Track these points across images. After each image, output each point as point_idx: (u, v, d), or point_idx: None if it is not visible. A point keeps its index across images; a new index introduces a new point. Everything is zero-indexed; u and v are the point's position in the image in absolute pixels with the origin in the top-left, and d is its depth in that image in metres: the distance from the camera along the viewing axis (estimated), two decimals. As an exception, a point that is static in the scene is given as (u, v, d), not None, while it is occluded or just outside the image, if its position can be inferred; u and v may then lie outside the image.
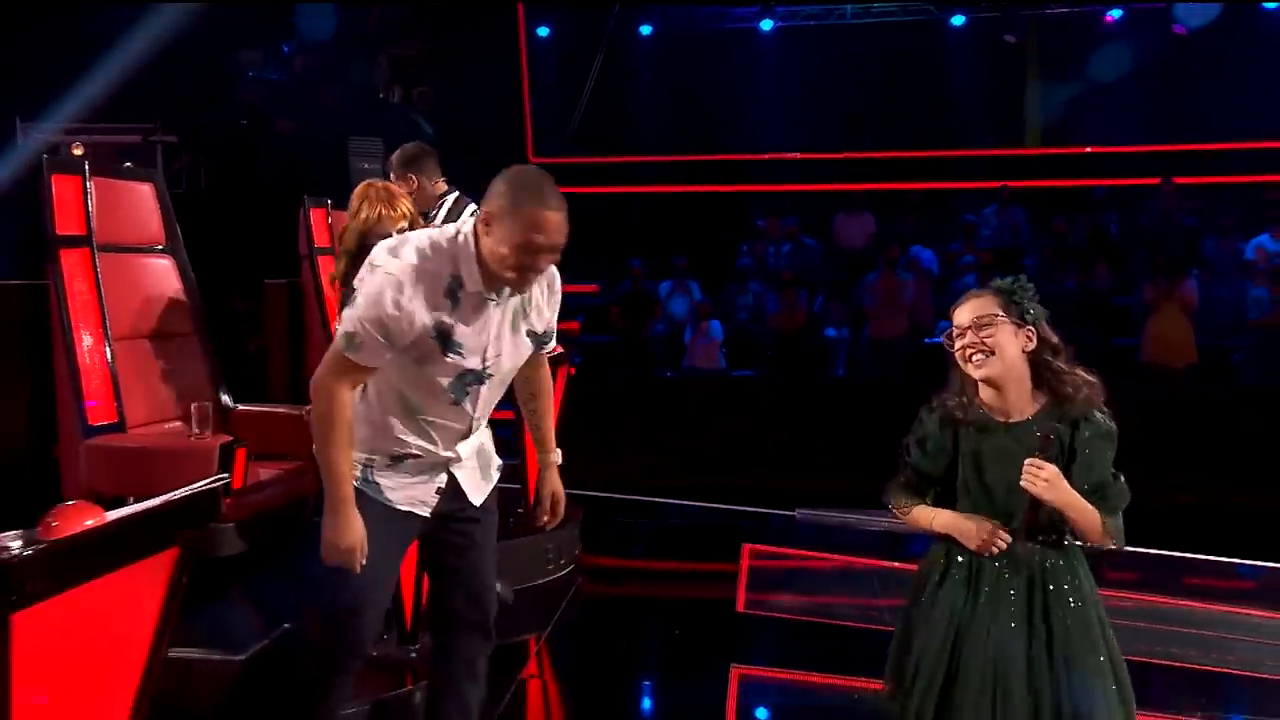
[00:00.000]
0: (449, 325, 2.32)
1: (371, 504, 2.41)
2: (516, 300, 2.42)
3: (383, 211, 3.03)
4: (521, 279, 2.31)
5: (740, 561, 4.68)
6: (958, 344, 2.09)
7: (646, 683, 3.70)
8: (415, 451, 2.42)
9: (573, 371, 4.76)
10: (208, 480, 1.81)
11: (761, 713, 3.33)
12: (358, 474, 2.42)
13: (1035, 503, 2.01)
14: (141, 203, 3.75)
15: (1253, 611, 4.28)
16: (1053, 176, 9.68)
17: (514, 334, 2.46)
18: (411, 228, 3.02)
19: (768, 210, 9.58)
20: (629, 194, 9.93)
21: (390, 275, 2.28)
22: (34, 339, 3.31)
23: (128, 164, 8.28)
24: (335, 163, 6.50)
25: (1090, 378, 2.06)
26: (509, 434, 4.31)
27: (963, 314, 2.11)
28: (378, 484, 2.43)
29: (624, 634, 4.08)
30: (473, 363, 2.37)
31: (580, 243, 2.52)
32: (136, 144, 8.42)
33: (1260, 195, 8.70)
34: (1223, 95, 9.27)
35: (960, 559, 2.10)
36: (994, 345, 2.06)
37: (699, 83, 10.20)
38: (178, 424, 3.44)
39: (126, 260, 3.60)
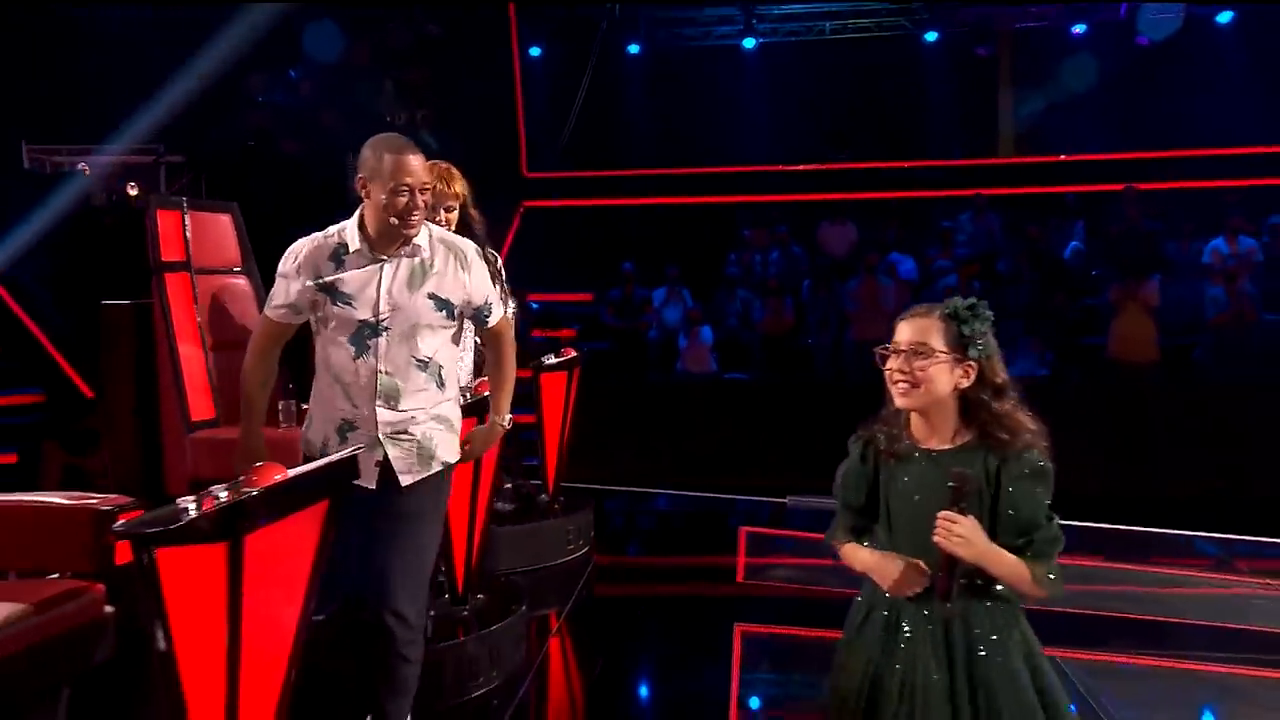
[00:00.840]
0: (331, 281, 2.76)
1: None
2: (412, 263, 2.80)
3: (440, 188, 3.39)
4: (406, 223, 2.73)
5: (738, 541, 5.26)
6: (889, 364, 1.99)
7: (660, 642, 4.28)
8: (347, 415, 2.78)
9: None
10: (347, 451, 2.35)
11: (763, 664, 3.90)
12: (318, 451, 2.78)
13: (951, 560, 1.88)
14: (224, 230, 4.51)
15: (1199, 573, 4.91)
16: (1025, 184, 10.33)
17: (410, 293, 2.79)
18: (462, 209, 3.49)
19: (753, 220, 10.18)
20: (619, 206, 10.50)
21: (290, 250, 2.85)
22: (140, 350, 4.08)
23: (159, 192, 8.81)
24: (337, 181, 7.03)
25: (1031, 424, 1.95)
26: (532, 435, 4.91)
27: (902, 332, 2.00)
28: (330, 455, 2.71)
29: (637, 602, 4.67)
30: (364, 314, 2.75)
31: (572, 253, 3.07)
32: (146, 164, 8.91)
33: (1217, 200, 9.36)
34: (1182, 105, 9.95)
35: (886, 598, 2.00)
36: (923, 379, 1.95)
37: (685, 98, 10.80)
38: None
39: (214, 281, 4.37)
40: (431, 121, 8.17)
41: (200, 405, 4.10)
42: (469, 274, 2.85)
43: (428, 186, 2.79)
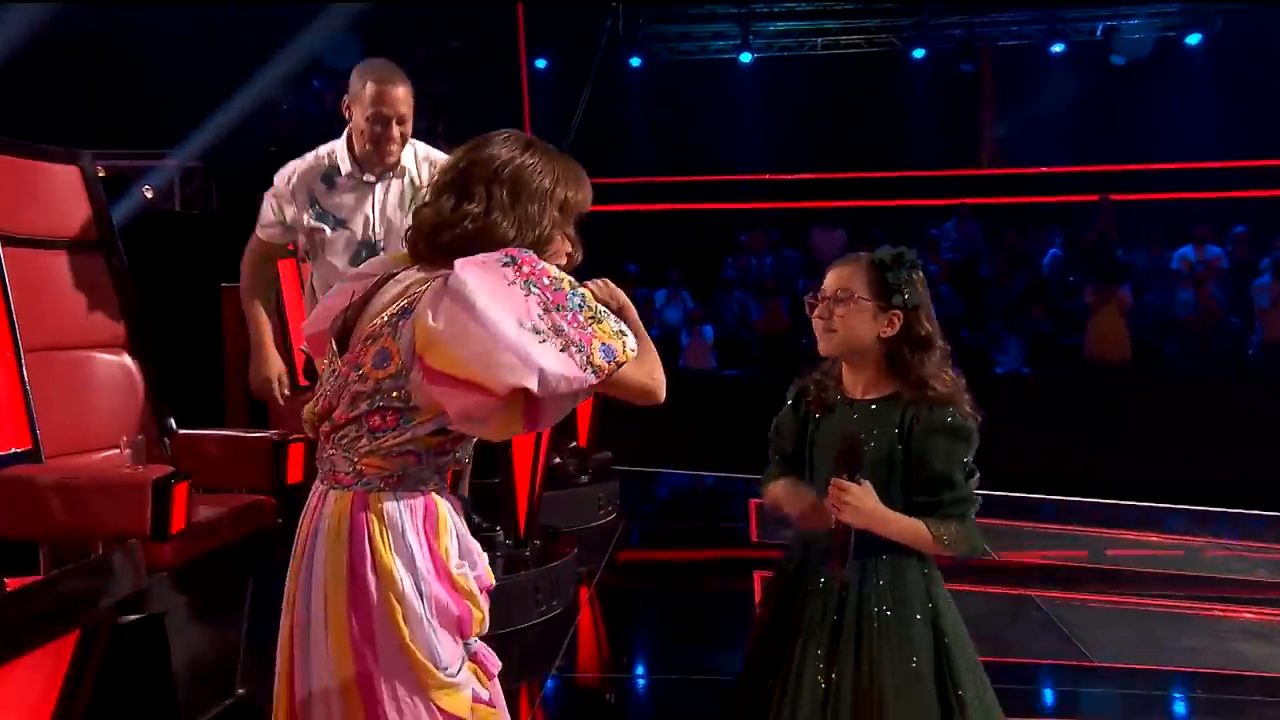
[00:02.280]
0: (325, 203, 2.88)
1: None
2: (402, 183, 2.94)
3: None
4: (380, 150, 2.85)
5: (748, 510, 5.90)
6: (815, 312, 1.98)
7: (690, 583, 4.90)
8: None
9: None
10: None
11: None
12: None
13: (843, 526, 1.82)
14: (63, 189, 3.09)
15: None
16: (1005, 194, 11.07)
17: (403, 213, 2.92)
18: None
19: (748, 226, 10.86)
20: (621, 212, 11.13)
21: (282, 171, 2.98)
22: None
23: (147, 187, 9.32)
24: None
25: (951, 380, 1.92)
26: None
27: (828, 280, 1.99)
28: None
29: (665, 557, 5.32)
30: (361, 234, 2.90)
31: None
32: (155, 168, 9.38)
33: (1184, 211, 10.13)
34: (1153, 122, 10.73)
35: (784, 575, 2.00)
36: (842, 325, 1.93)
37: (684, 109, 11.48)
38: (107, 454, 2.92)
39: (42, 257, 3.00)
40: (450, 131, 8.78)
41: (7, 431, 2.70)
42: None
43: (406, 118, 2.88)
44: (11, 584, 1.61)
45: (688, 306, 9.75)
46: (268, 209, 3.02)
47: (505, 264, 1.55)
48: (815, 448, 1.98)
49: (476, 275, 1.53)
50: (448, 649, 1.61)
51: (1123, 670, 3.65)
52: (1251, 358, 9.03)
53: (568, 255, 1.72)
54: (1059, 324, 9.45)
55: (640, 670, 3.88)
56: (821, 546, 1.90)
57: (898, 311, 1.92)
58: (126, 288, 3.15)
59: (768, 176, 11.23)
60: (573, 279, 1.59)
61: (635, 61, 11.57)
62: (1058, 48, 11.27)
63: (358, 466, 1.61)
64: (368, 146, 2.88)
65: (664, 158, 11.41)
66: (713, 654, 3.89)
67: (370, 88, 2.84)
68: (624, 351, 1.55)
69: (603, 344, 1.54)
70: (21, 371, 2.74)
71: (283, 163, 3.09)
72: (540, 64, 11.33)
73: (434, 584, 1.60)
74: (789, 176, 11.17)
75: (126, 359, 3.10)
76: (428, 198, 1.70)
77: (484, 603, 1.68)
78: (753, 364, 9.47)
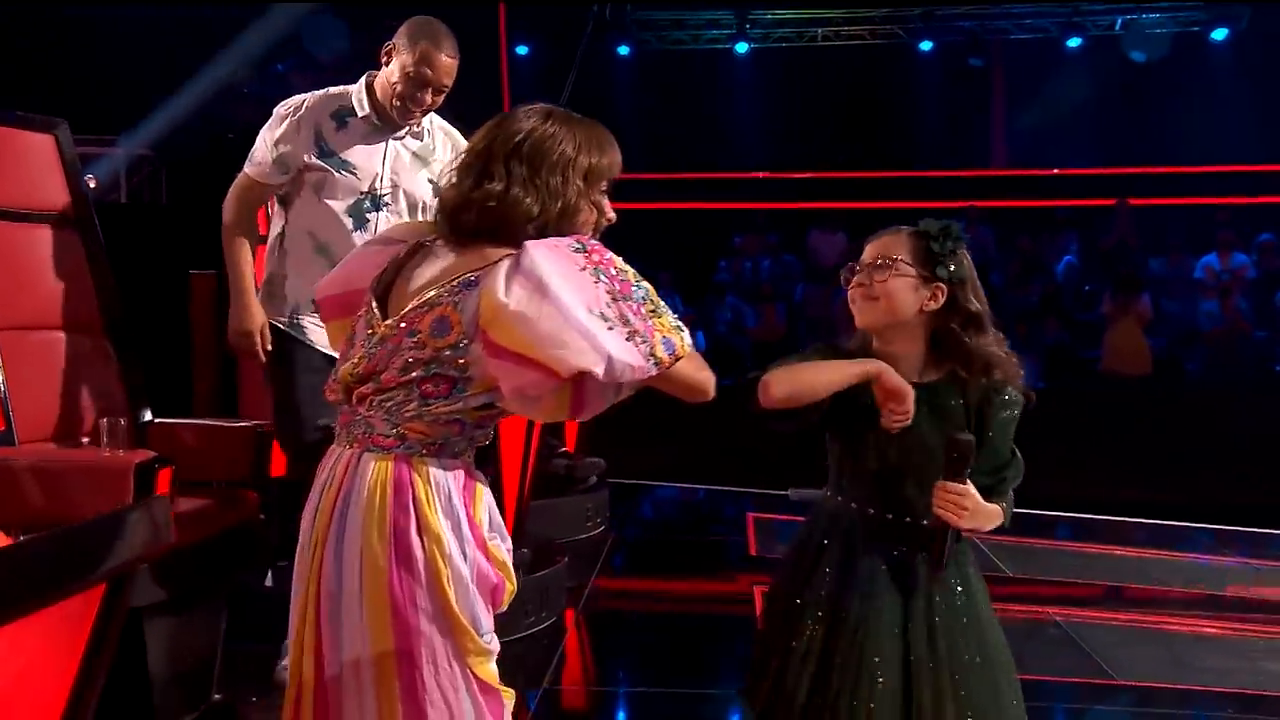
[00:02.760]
0: (332, 141, 2.86)
1: (298, 347, 2.98)
2: (418, 144, 2.99)
3: None
4: (405, 109, 2.88)
5: (746, 525, 5.99)
6: (852, 283, 2.00)
7: (683, 603, 4.97)
8: None
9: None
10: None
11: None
12: (285, 320, 2.99)
13: (948, 530, 1.88)
14: (36, 157, 3.10)
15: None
16: (1017, 197, 11.25)
17: (414, 172, 2.97)
18: None
19: (743, 227, 10.99)
20: (607, 210, 11.25)
21: (286, 102, 2.95)
22: None
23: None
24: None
25: (1009, 357, 1.96)
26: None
27: (868, 251, 2.01)
28: (303, 326, 2.98)
29: (658, 571, 5.38)
30: (366, 184, 2.90)
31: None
32: (100, 156, 9.37)
33: (1208, 216, 10.34)
34: (1175, 121, 10.95)
35: (819, 528, 2.02)
36: (884, 292, 1.94)
37: (675, 102, 11.62)
38: (80, 441, 2.98)
39: (12, 230, 3.03)
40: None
41: None
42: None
43: (445, 89, 2.94)
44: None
45: (678, 311, 9.84)
46: (262, 143, 2.97)
47: (576, 250, 1.69)
48: (875, 429, 1.92)
49: (549, 257, 1.66)
50: (485, 616, 1.74)
51: (1148, 689, 3.75)
52: (1277, 374, 9.23)
53: (599, 221, 1.83)
54: (1075, 335, 9.62)
55: (633, 685, 3.95)
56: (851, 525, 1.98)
57: (941, 285, 1.93)
58: (101, 266, 3.16)
59: (764, 175, 11.38)
60: (636, 271, 1.71)
61: (623, 50, 11.72)
62: (1074, 42, 11.49)
63: (400, 430, 1.72)
64: (395, 102, 2.91)
65: (653, 153, 11.52)
66: (710, 669, 3.97)
67: (424, 45, 2.89)
68: (683, 346, 1.68)
69: (664, 337, 1.66)
70: None
71: (242, 151, 3.09)
72: (521, 51, 11.46)
73: (475, 550, 1.73)
74: (787, 175, 11.32)
75: (101, 341, 3.13)
76: (452, 179, 1.81)
77: (513, 576, 1.81)
78: (746, 373, 9.56)
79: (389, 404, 1.73)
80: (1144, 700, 3.66)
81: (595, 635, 4.35)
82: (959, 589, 1.98)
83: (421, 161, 3.04)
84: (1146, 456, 8.07)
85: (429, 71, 2.88)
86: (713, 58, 11.87)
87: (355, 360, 1.79)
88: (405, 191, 3.00)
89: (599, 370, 1.61)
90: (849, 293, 2.01)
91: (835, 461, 2.05)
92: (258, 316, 3.00)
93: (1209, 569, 5.54)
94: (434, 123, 3.10)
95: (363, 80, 3.02)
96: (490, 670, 1.76)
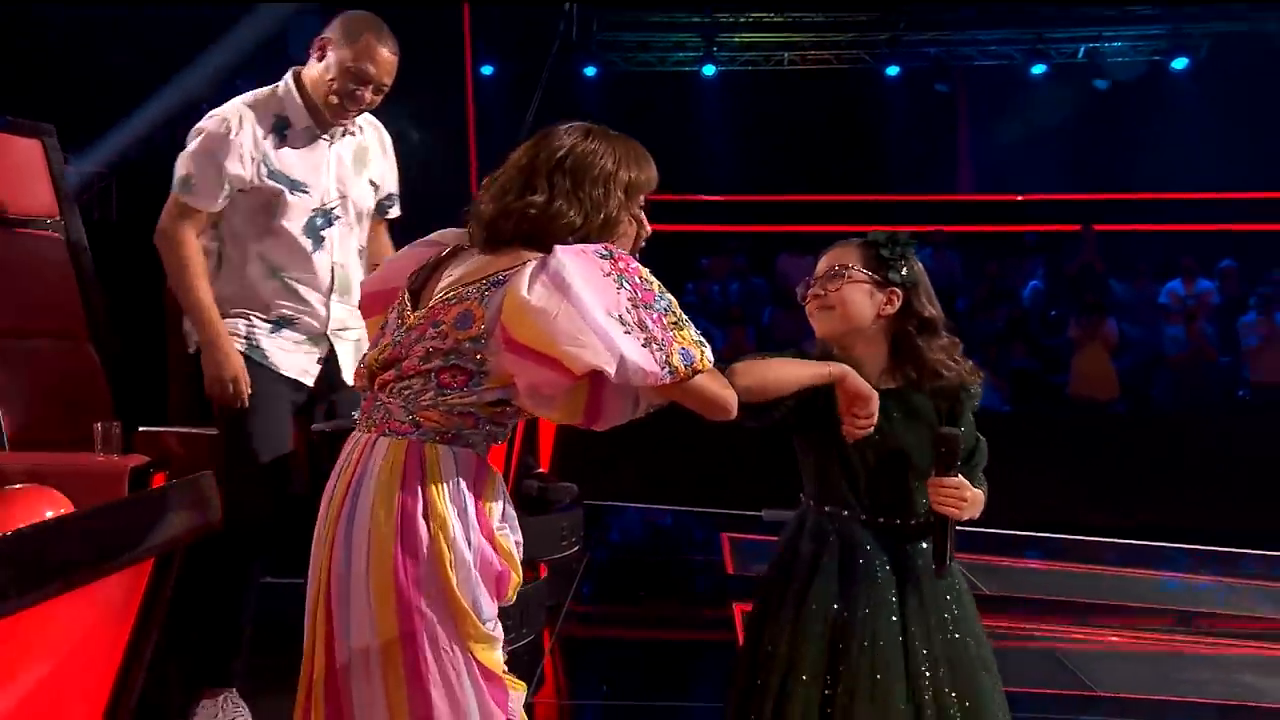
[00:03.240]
0: (278, 160, 2.70)
1: (260, 371, 2.82)
2: (353, 143, 2.86)
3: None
4: (342, 108, 2.73)
5: (721, 545, 6.07)
6: (808, 295, 2.08)
7: (663, 623, 5.01)
8: (289, 313, 2.83)
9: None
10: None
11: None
12: (242, 337, 2.83)
13: (949, 524, 1.95)
14: (24, 162, 3.18)
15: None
16: (984, 222, 11.49)
17: (356, 176, 2.85)
18: None
19: (711, 250, 11.12)
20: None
21: (217, 116, 2.73)
22: None
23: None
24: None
25: (959, 358, 2.04)
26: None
27: (821, 264, 2.09)
28: (263, 350, 2.85)
29: (636, 590, 5.43)
30: (317, 199, 2.78)
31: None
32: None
33: (1173, 242, 10.63)
34: (1139, 149, 11.26)
35: (831, 541, 2.03)
36: (839, 300, 2.01)
37: (642, 123, 11.68)
38: (67, 446, 2.93)
39: (1, 235, 3.12)
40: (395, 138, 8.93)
41: None
42: (388, 158, 3.00)
43: (385, 88, 2.80)
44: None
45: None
46: (201, 167, 2.73)
47: (603, 256, 1.76)
48: (840, 433, 1.98)
49: (575, 261, 1.74)
50: (487, 603, 1.79)
51: (1127, 700, 3.85)
52: (1241, 398, 9.48)
53: (639, 234, 1.93)
54: (1042, 360, 9.82)
55: (614, 699, 3.99)
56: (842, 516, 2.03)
57: (896, 289, 2.02)
58: (86, 272, 3.21)
59: (731, 198, 11.53)
60: (661, 284, 1.79)
61: (589, 71, 11.85)
62: (1038, 69, 11.79)
63: (416, 417, 1.80)
64: (333, 99, 2.75)
65: (620, 174, 11.65)
66: (691, 686, 4.05)
67: (366, 38, 2.73)
68: (702, 360, 1.74)
69: (682, 348, 1.72)
70: None
71: None
72: (486, 71, 11.55)
73: (479, 537, 1.79)
74: (754, 198, 11.48)
75: (86, 348, 3.18)
76: (488, 192, 1.88)
77: (520, 568, 1.86)
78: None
79: (407, 391, 1.80)
80: (1123, 711, 3.76)
81: (574, 651, 4.39)
82: (950, 600, 2.04)
83: (360, 163, 2.94)
84: (1114, 480, 8.25)
85: (371, 68, 2.73)
86: (680, 80, 12.04)
87: (381, 347, 1.87)
88: (352, 200, 2.91)
89: (610, 369, 1.67)
90: (807, 307, 2.10)
91: (812, 473, 2.09)
92: (236, 361, 2.81)
93: (1182, 587, 5.70)
94: (364, 118, 2.97)
95: (289, 81, 2.84)
96: (494, 658, 1.81)
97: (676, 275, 10.86)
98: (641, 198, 1.94)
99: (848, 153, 11.73)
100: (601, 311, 1.69)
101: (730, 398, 1.80)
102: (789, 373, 1.98)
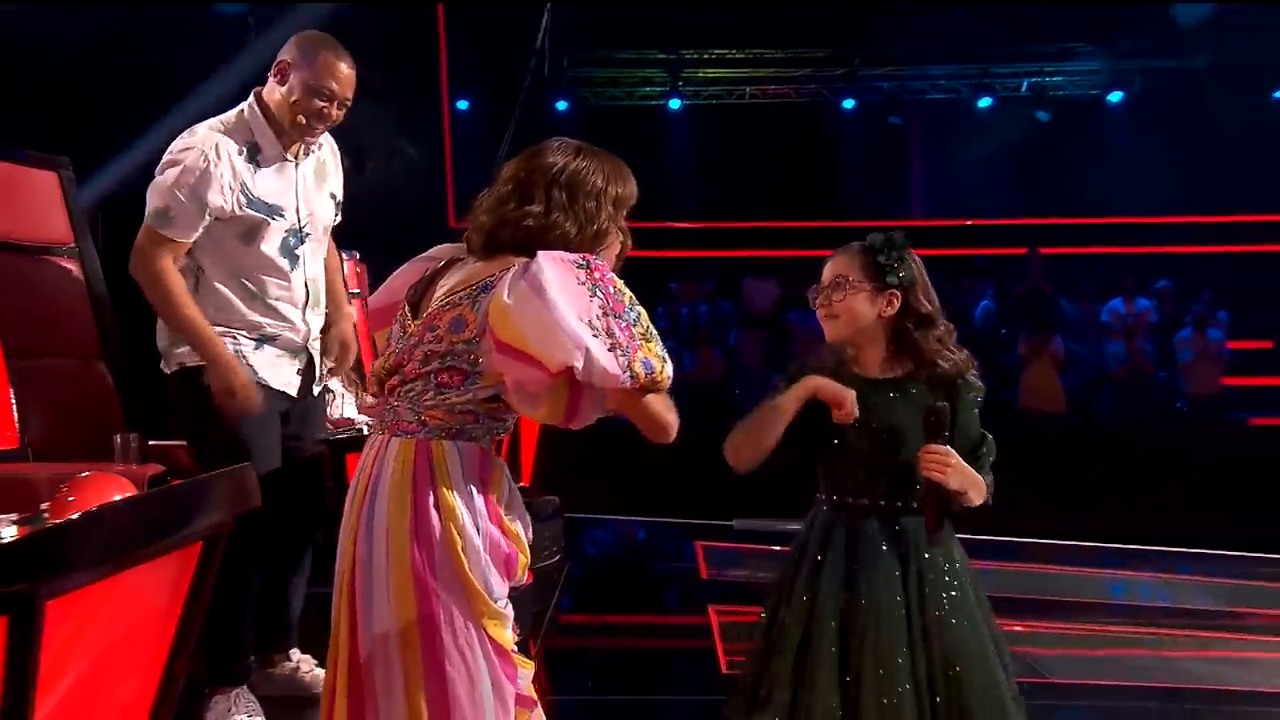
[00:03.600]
0: (256, 187, 2.74)
1: (253, 390, 2.89)
2: (314, 160, 2.92)
3: None
4: (309, 127, 2.78)
5: (695, 552, 6.20)
6: (816, 303, 2.23)
7: (643, 628, 5.16)
8: (268, 329, 2.91)
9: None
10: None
11: (739, 632, 4.80)
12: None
13: (939, 490, 2.05)
14: (43, 193, 3.29)
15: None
16: (936, 245, 11.74)
17: (319, 192, 2.93)
18: None
19: (679, 275, 11.30)
20: (545, 259, 11.47)
21: (194, 148, 2.73)
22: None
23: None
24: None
25: (959, 350, 2.18)
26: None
27: (825, 273, 2.22)
28: (252, 366, 2.92)
29: (614, 598, 5.55)
30: (290, 220, 2.86)
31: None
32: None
33: (1112, 264, 10.95)
34: (1080, 176, 11.59)
35: (839, 531, 2.16)
36: (842, 310, 2.17)
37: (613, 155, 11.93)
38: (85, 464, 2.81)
39: (21, 262, 3.20)
40: (379, 170, 9.06)
41: None
42: (340, 170, 3.11)
43: (347, 103, 2.84)
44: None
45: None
46: (184, 203, 2.73)
47: (580, 266, 1.88)
48: (844, 427, 2.14)
49: (553, 268, 1.85)
50: (497, 583, 1.92)
51: (1077, 686, 4.04)
52: (1178, 410, 9.76)
53: (621, 245, 2.10)
54: (993, 376, 10.05)
55: (602, 694, 4.11)
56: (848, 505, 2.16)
57: (894, 291, 2.17)
58: (100, 296, 3.32)
59: (697, 225, 11.73)
60: (634, 296, 1.90)
61: (561, 105, 12.03)
62: (984, 102, 12.12)
63: (422, 417, 1.93)
64: (300, 119, 2.79)
65: (591, 204, 11.82)
66: (673, 681, 4.28)
67: (325, 57, 2.79)
68: (661, 373, 1.85)
69: (645, 358, 1.83)
70: (9, 373, 2.93)
71: None
72: (462, 105, 11.71)
73: (487, 523, 1.91)
74: (719, 225, 11.69)
75: (99, 366, 3.27)
76: (485, 204, 2.02)
77: (529, 552, 2.02)
78: (684, 415, 9.82)
79: (412, 393, 1.93)
80: (1074, 695, 3.95)
81: (558, 651, 4.50)
82: (948, 577, 2.15)
83: (320, 179, 3.00)
84: (1062, 489, 8.47)
85: (334, 84, 2.78)
86: (647, 113, 12.25)
87: (387, 355, 2.03)
88: (318, 216, 2.97)
89: (579, 365, 1.78)
90: (817, 313, 2.25)
91: (824, 473, 2.23)
92: (241, 370, 2.87)
93: (1125, 584, 5.90)
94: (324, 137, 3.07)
95: (252, 105, 2.86)
96: (505, 636, 1.92)
97: (647, 299, 10.94)
98: (625, 210, 2.08)
99: (807, 181, 11.97)
100: (574, 315, 1.80)
101: (673, 424, 1.91)
102: (769, 426, 2.16)
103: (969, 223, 11.96)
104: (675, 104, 12.02)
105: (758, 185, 11.93)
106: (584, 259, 1.90)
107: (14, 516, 1.48)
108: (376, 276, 5.36)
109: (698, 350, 10.15)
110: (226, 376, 2.86)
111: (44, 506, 1.60)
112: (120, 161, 8.65)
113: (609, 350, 1.80)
